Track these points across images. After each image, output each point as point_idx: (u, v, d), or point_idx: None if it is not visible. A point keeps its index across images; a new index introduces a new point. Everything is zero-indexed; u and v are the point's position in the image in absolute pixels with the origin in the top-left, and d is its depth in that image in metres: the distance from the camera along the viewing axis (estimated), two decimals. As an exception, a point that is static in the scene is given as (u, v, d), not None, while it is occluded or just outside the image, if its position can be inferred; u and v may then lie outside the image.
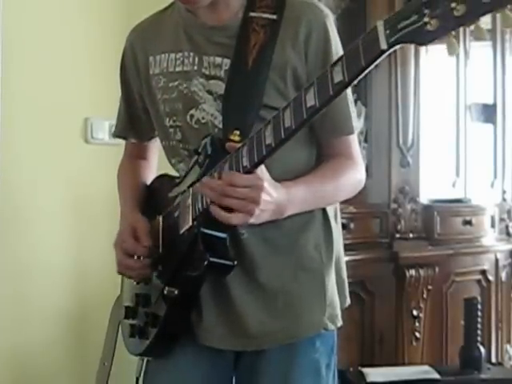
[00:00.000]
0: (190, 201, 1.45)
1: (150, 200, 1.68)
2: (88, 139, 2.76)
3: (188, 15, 1.52)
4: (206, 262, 1.38)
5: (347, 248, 3.16)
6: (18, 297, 2.58)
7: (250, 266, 1.48)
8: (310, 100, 1.22)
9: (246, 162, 1.31)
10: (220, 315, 1.51)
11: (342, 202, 3.38)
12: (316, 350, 1.53)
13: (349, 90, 1.45)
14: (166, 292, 1.45)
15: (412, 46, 3.96)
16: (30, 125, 2.64)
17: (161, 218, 1.56)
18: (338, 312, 1.57)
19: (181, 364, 1.55)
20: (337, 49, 1.46)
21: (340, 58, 1.19)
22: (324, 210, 1.55)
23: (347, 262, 3.28)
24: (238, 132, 1.40)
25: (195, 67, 1.49)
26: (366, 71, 1.16)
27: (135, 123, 1.71)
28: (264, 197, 1.32)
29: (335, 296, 1.56)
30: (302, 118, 1.23)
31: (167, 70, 1.53)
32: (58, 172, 2.68)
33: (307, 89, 1.23)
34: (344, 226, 3.14)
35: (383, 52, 1.13)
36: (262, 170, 1.33)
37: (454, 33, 1.08)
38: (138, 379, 1.63)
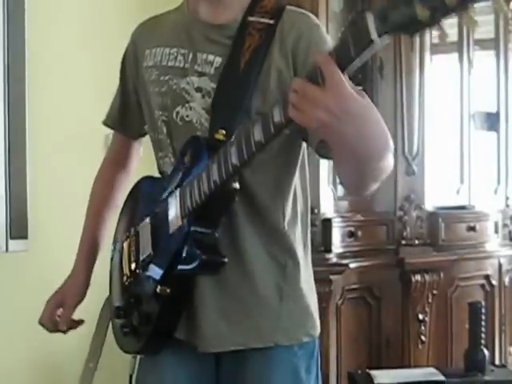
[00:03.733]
0: (178, 201, 1.44)
1: (135, 202, 1.69)
2: (109, 155, 2.89)
3: (191, 14, 1.54)
4: (198, 261, 1.38)
5: (355, 255, 3.24)
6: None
7: None
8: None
9: (235, 160, 1.27)
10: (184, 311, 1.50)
11: (350, 210, 3.43)
12: (295, 356, 1.51)
13: None
14: (158, 291, 1.44)
15: (417, 55, 3.98)
16: (56, 143, 2.77)
17: (148, 220, 1.55)
18: (304, 327, 1.52)
19: (167, 366, 1.56)
20: None
21: None
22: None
23: (355, 269, 3.35)
24: (223, 131, 1.39)
25: (188, 64, 1.50)
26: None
27: (126, 116, 1.72)
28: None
29: (299, 311, 1.52)
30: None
31: (160, 63, 1.54)
32: (81, 187, 2.78)
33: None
34: (352, 234, 3.21)
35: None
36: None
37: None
38: (131, 376, 1.63)
